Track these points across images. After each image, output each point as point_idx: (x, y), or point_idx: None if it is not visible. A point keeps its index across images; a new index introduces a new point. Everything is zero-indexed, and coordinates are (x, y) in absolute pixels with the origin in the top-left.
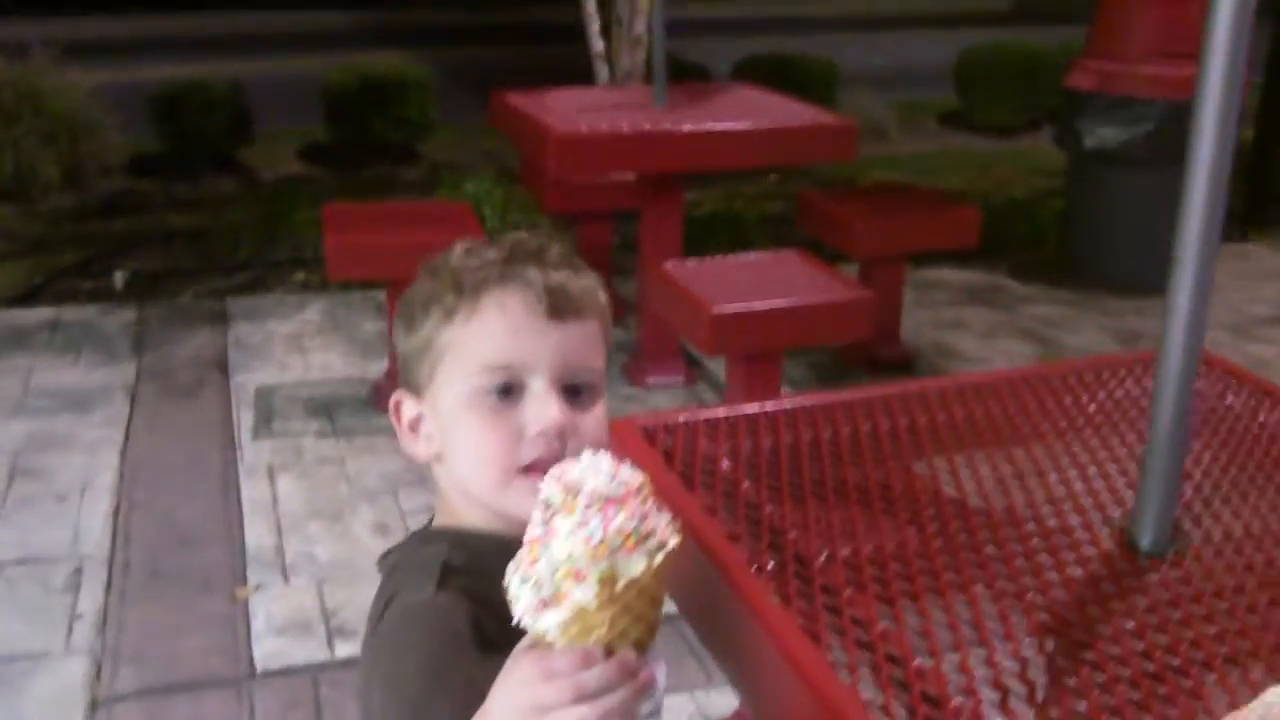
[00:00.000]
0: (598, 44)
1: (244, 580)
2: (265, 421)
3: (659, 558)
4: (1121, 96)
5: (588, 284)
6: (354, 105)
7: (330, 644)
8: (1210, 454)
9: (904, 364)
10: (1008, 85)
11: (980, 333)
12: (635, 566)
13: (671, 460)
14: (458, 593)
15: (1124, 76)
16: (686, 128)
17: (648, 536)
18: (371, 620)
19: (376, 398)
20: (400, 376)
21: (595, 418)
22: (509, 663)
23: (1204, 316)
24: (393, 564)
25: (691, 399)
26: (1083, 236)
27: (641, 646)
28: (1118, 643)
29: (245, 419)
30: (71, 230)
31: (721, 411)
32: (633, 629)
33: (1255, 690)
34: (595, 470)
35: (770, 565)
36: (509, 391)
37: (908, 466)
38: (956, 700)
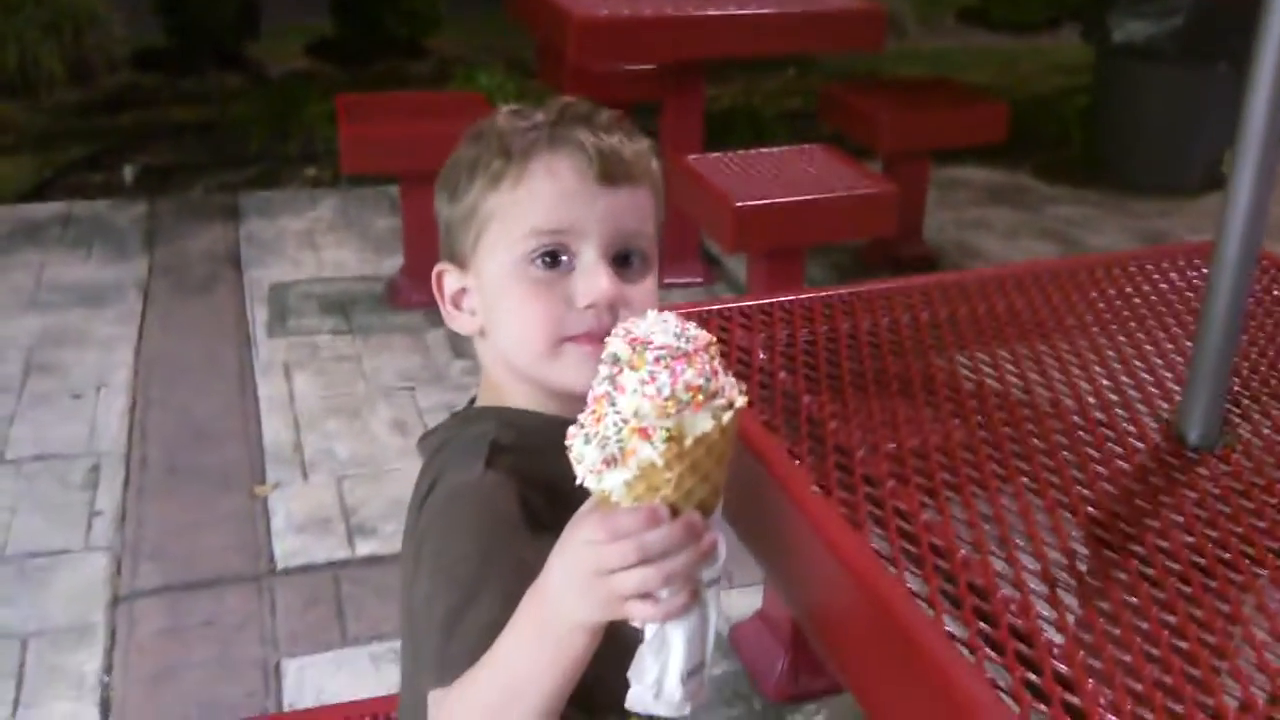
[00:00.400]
0: None
1: (263, 478)
2: (280, 319)
3: (727, 416)
4: None
5: (640, 148)
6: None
7: (350, 541)
8: (1258, 349)
9: (927, 263)
10: None
11: (1003, 232)
12: (703, 424)
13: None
14: (506, 471)
15: None
16: (710, 11)
17: (715, 395)
18: (415, 501)
19: (392, 295)
20: (442, 247)
21: (646, 289)
22: (570, 525)
23: (1267, 206)
24: (437, 443)
25: (711, 299)
26: (1109, 135)
27: (707, 509)
28: (1166, 537)
29: (260, 316)
30: (78, 125)
31: (755, 300)
32: (699, 489)
33: None
34: (663, 327)
35: (810, 456)
36: (557, 260)
37: (950, 358)
38: (1004, 590)
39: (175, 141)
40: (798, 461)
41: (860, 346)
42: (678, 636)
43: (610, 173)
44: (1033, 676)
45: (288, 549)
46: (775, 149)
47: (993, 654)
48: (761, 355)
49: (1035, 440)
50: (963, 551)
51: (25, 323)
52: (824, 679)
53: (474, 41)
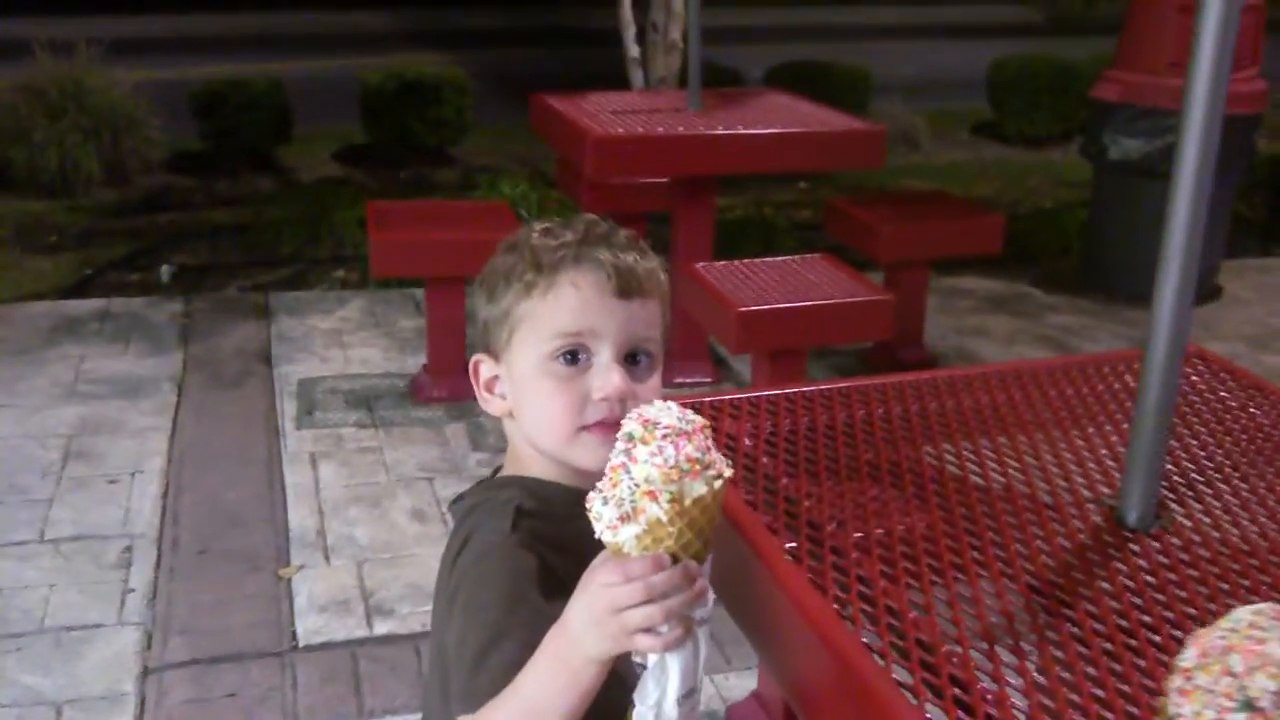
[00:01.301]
0: (633, 49)
1: (287, 560)
2: (307, 412)
3: (719, 483)
4: (1146, 108)
5: (652, 266)
6: (390, 106)
7: (369, 621)
8: (1199, 441)
9: (926, 367)
10: (1040, 96)
11: (1001, 339)
12: (699, 489)
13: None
14: (529, 533)
15: (1149, 87)
16: (719, 131)
17: (709, 466)
18: (448, 557)
19: (414, 390)
20: (478, 340)
21: (652, 385)
22: (588, 573)
23: (1188, 309)
24: (468, 506)
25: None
26: (1105, 247)
27: (700, 559)
28: (1096, 604)
29: (288, 409)
30: (116, 225)
31: (744, 394)
32: (694, 543)
33: None
34: (668, 412)
35: (784, 530)
36: (577, 358)
37: (916, 448)
38: (947, 647)
39: (210, 242)
40: (774, 534)
41: (836, 436)
42: (675, 665)
43: (625, 287)
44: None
45: (309, 627)
46: (779, 259)
47: (931, 697)
48: (747, 442)
49: (987, 521)
50: (913, 614)
51: (65, 412)
52: None
53: (499, 151)
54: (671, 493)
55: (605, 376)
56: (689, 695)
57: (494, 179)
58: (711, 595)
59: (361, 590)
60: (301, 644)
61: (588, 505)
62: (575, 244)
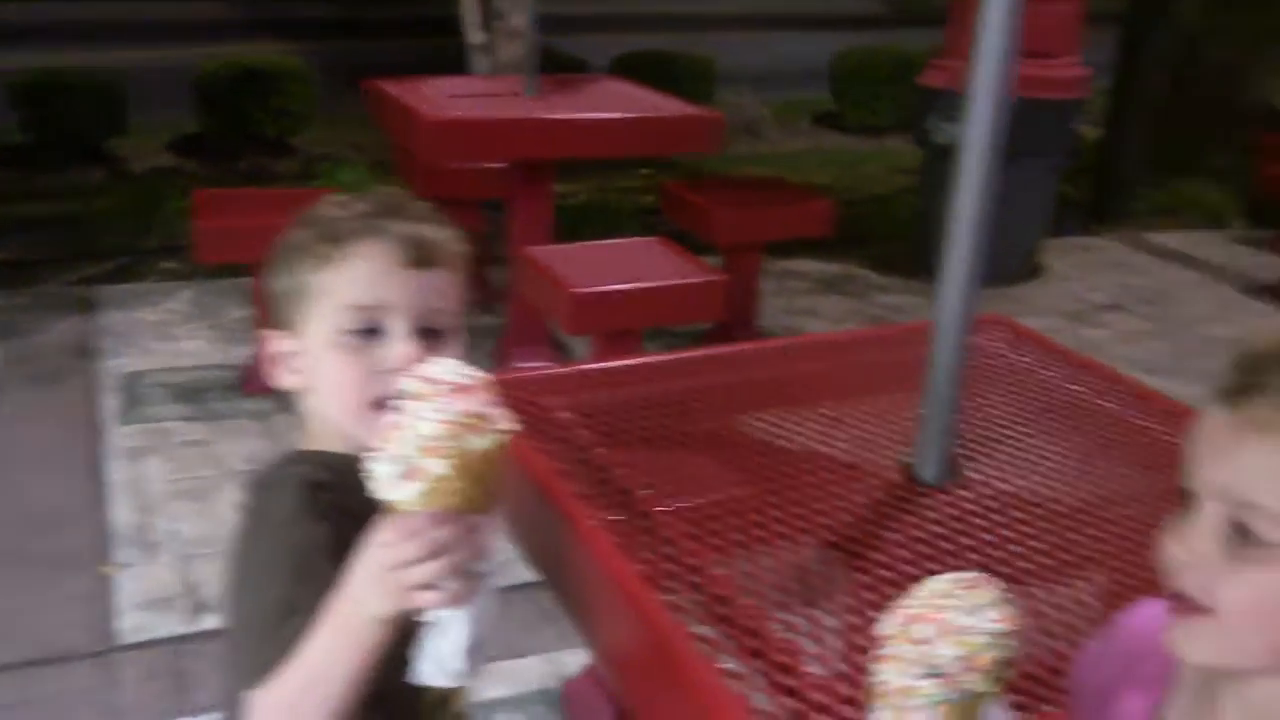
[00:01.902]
0: (476, 37)
1: (109, 558)
2: (132, 406)
3: (501, 438)
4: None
5: (446, 236)
6: (229, 96)
7: (194, 616)
8: (992, 402)
9: None
10: (880, 87)
11: (832, 319)
12: (482, 443)
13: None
14: (323, 506)
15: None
16: (554, 115)
17: (492, 420)
18: (239, 532)
19: (244, 381)
20: (271, 316)
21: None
22: (370, 534)
23: (977, 281)
24: (259, 480)
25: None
26: (934, 230)
27: (484, 512)
28: (891, 556)
29: (112, 404)
30: None
31: (563, 369)
32: (477, 498)
33: None
34: (449, 368)
35: (597, 496)
36: (371, 332)
37: (730, 418)
38: (742, 600)
39: (29, 236)
40: (584, 501)
41: (651, 408)
42: (459, 620)
43: (419, 258)
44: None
45: (131, 625)
46: (613, 241)
47: (731, 649)
48: (565, 415)
49: (791, 484)
50: (715, 572)
51: None
52: None
53: (341, 141)
54: (453, 448)
55: (399, 348)
56: (474, 649)
57: (332, 168)
58: (495, 547)
59: (186, 586)
60: (122, 642)
61: (368, 464)
62: (367, 215)
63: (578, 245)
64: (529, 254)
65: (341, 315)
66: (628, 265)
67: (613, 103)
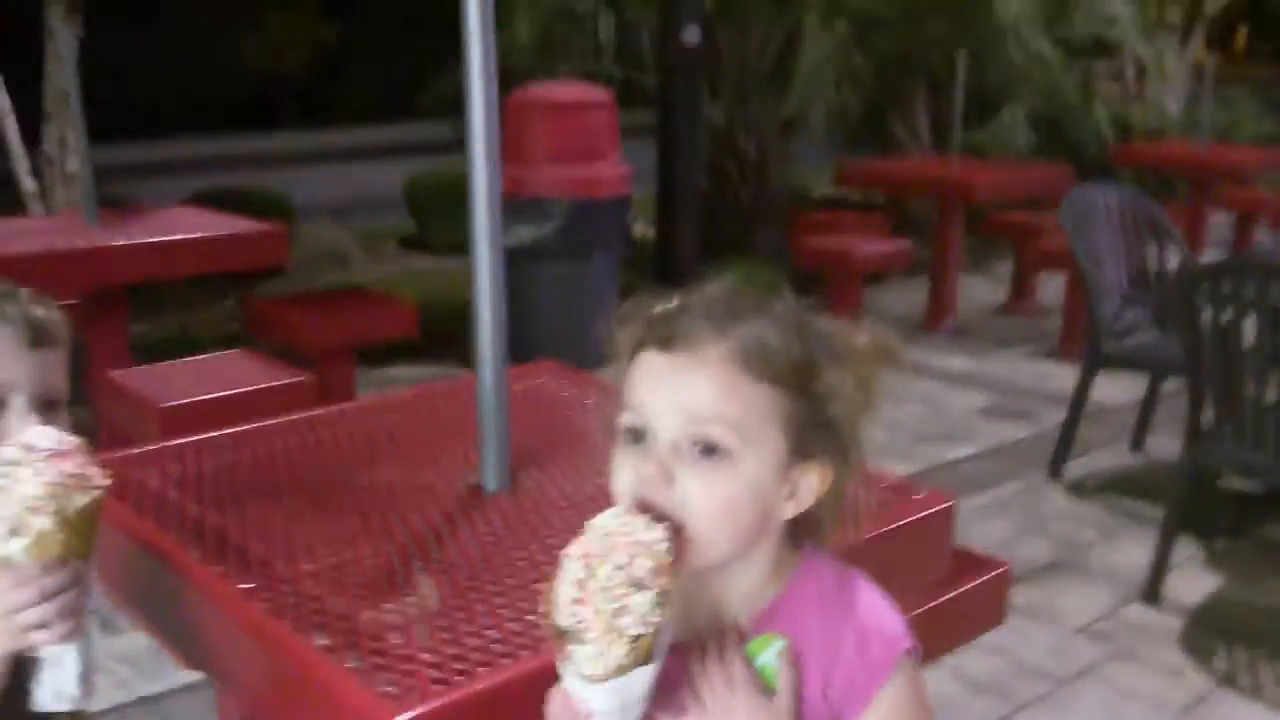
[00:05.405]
0: (29, 183)
1: None
2: None
3: (97, 493)
4: (531, 198)
5: (56, 318)
6: None
7: None
8: (540, 426)
9: None
10: (455, 206)
11: None
12: (80, 499)
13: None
14: None
15: (530, 180)
16: (118, 241)
17: (88, 478)
18: None
19: None
20: None
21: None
22: None
23: (503, 338)
24: None
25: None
26: (516, 327)
27: (84, 558)
28: (462, 554)
29: None
30: None
31: (156, 446)
32: (80, 546)
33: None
34: (45, 435)
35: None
36: None
37: (325, 470)
38: (330, 601)
39: None
40: (200, 557)
41: (254, 472)
42: (71, 652)
43: (34, 338)
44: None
45: None
46: (197, 358)
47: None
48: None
49: (376, 507)
50: (315, 582)
51: None
52: None
53: None
54: (56, 505)
55: (20, 423)
56: (85, 676)
57: None
58: (96, 587)
59: None
60: None
61: None
62: None
63: (159, 365)
64: (110, 379)
65: None
66: (213, 376)
67: (178, 225)
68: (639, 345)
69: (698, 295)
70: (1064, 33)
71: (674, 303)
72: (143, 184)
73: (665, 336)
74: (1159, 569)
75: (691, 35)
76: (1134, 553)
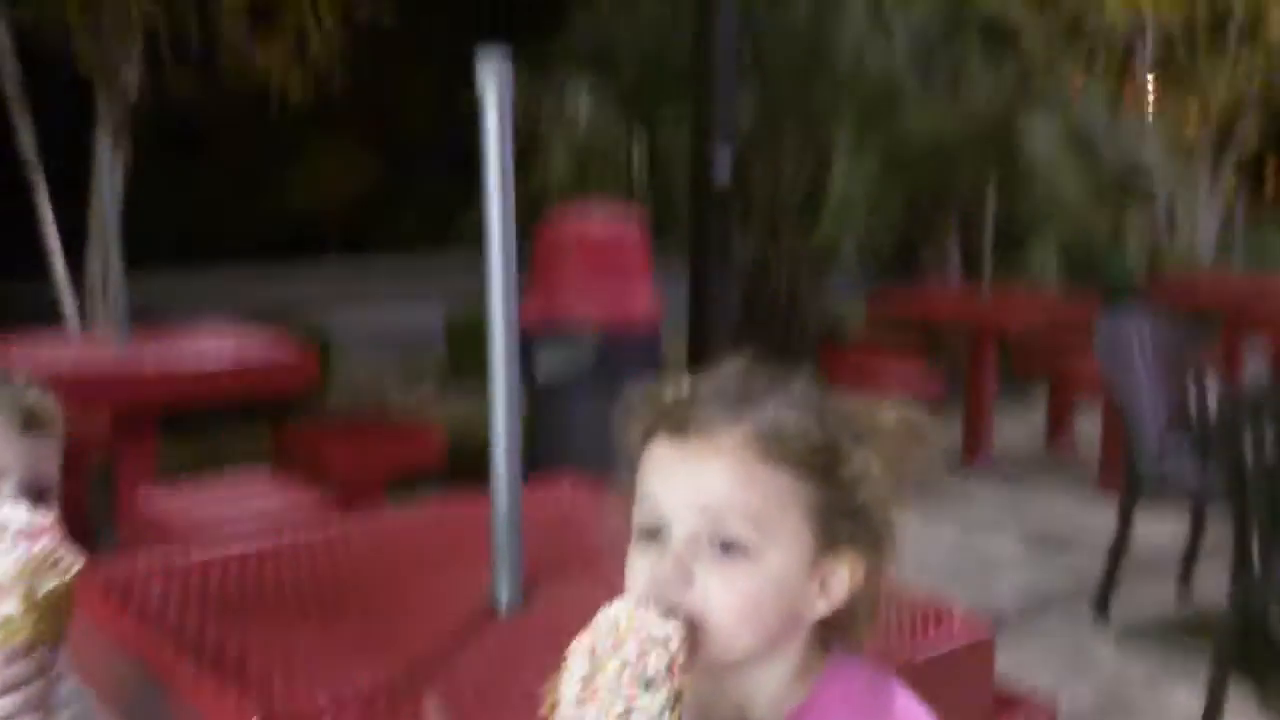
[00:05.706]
0: (69, 301)
1: None
2: None
3: (70, 575)
4: (562, 330)
5: (50, 404)
6: None
7: None
8: (560, 545)
9: None
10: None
11: None
12: (51, 582)
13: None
14: None
15: (560, 309)
16: (146, 364)
17: (60, 560)
18: None
19: None
20: None
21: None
22: None
23: (517, 464)
24: None
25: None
26: (544, 460)
27: (55, 643)
28: (472, 672)
29: None
30: None
31: (175, 560)
32: (48, 631)
33: None
34: (19, 513)
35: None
36: None
37: (335, 585)
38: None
39: None
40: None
41: (260, 590)
42: None
43: (25, 423)
44: None
45: None
46: (223, 477)
47: None
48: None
49: (386, 623)
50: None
51: None
52: None
53: None
54: (25, 587)
55: (5, 510)
56: None
57: None
58: (67, 673)
59: None
60: None
61: None
62: None
63: (186, 485)
64: (136, 495)
65: None
66: (239, 498)
67: (207, 350)
68: (650, 434)
69: (710, 378)
70: (1094, 171)
71: (685, 387)
72: (186, 310)
73: (677, 423)
74: (1211, 716)
75: (722, 174)
76: (1183, 696)
